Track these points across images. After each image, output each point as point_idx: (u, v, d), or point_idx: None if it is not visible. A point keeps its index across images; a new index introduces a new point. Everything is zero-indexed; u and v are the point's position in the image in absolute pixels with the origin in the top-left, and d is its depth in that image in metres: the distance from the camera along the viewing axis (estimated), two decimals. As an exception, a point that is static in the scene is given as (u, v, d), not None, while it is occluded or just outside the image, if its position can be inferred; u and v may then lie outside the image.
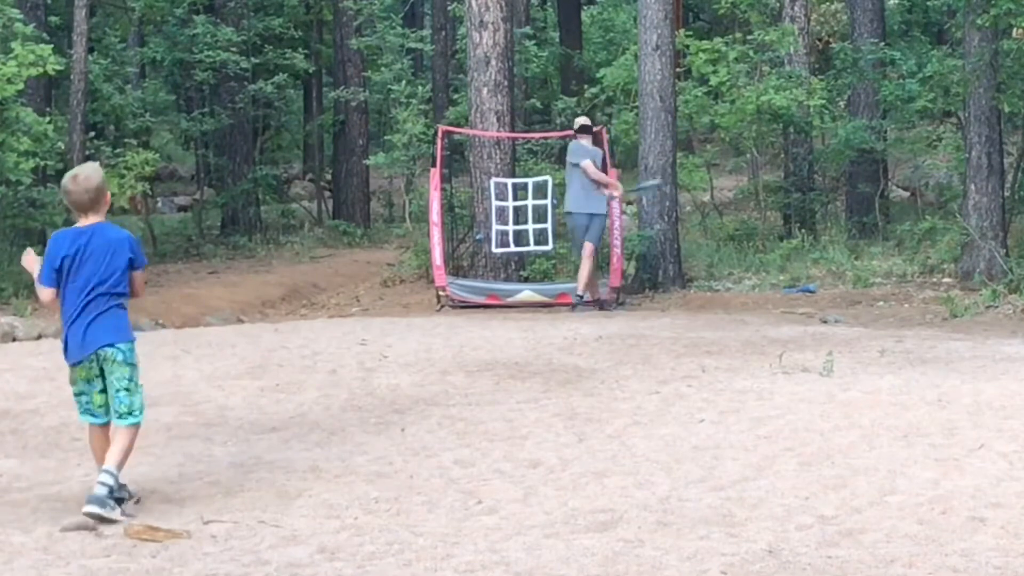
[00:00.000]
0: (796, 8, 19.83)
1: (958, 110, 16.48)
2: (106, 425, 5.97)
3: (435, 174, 14.64)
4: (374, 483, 6.26)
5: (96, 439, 6.03)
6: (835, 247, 17.25)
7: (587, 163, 13.53)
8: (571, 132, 14.27)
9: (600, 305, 13.58)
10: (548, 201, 14.65)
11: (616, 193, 13.77)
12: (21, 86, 14.65)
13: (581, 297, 13.46)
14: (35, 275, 5.99)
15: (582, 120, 14.18)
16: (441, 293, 14.24)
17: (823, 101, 18.90)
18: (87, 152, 16.53)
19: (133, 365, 5.92)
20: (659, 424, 7.38)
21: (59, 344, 6.06)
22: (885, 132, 19.90)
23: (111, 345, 5.86)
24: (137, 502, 5.96)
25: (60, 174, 16.66)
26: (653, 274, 15.25)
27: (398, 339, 10.60)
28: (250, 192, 22.42)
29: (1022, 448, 6.56)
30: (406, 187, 19.88)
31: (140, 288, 6.04)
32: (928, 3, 22.55)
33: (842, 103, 21.13)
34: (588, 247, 13.45)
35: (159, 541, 5.36)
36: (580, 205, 13.58)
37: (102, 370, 5.89)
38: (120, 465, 5.81)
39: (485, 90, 15.59)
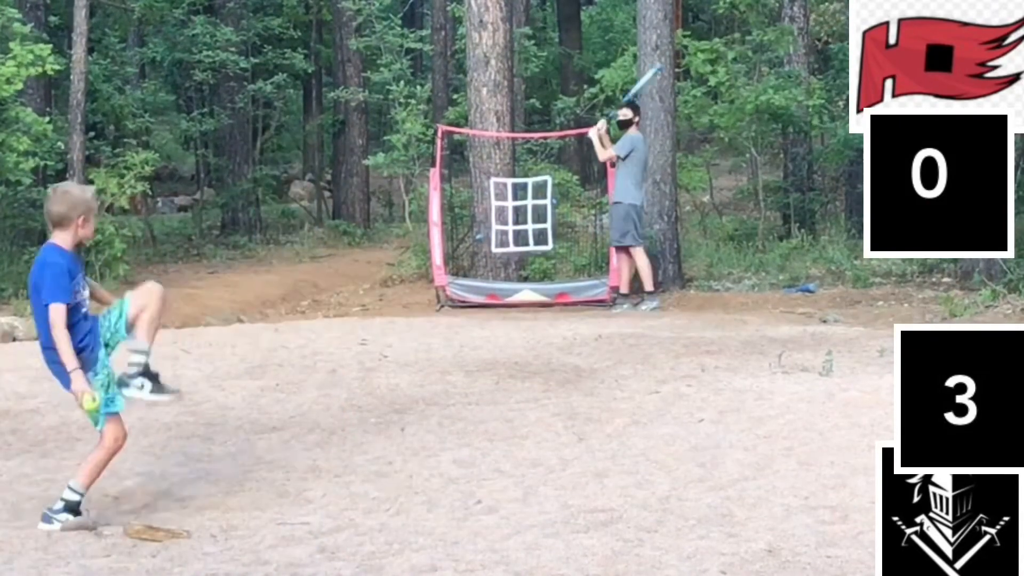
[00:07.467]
0: (795, 8, 19.82)
1: (957, 110, 16.46)
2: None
3: (435, 174, 14.64)
4: (374, 483, 6.26)
5: None
6: (835, 247, 17.24)
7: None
8: (569, 133, 14.25)
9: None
10: (548, 201, 14.65)
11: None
12: (20, 86, 14.64)
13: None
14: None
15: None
16: (441, 293, 14.24)
17: (822, 101, 18.90)
18: (87, 152, 16.53)
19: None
20: (659, 424, 7.38)
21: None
22: (885, 132, 19.89)
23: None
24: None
25: (60, 174, 16.85)
26: (652, 274, 15.21)
27: (398, 339, 10.60)
28: (250, 192, 22.42)
29: (1021, 448, 6.56)
30: (406, 187, 19.88)
31: (53, 331, 5.33)
32: (927, 3, 22.51)
33: (841, 103, 21.12)
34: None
35: (159, 541, 5.37)
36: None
37: None
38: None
39: (485, 90, 15.57)
